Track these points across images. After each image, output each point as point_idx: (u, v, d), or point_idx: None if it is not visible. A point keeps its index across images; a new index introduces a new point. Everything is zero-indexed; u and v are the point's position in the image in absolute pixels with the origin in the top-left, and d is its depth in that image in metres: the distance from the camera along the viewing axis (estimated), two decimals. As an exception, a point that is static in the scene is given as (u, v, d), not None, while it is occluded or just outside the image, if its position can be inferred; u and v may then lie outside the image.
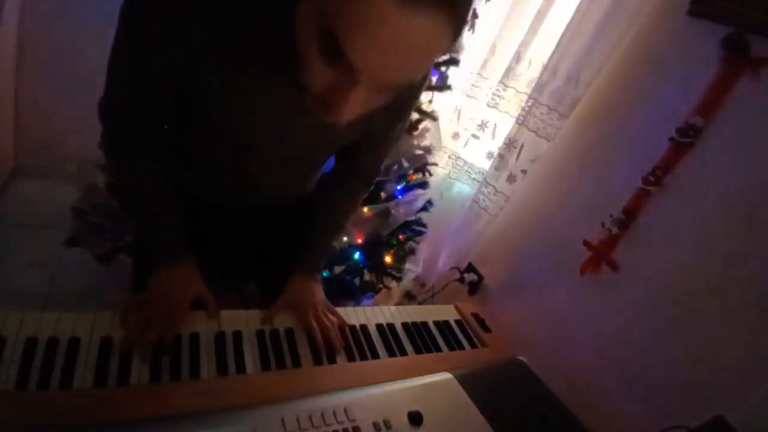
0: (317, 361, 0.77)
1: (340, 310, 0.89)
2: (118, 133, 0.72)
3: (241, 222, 0.92)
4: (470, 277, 1.63)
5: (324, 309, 0.85)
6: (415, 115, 1.47)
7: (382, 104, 0.57)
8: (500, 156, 1.55)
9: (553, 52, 1.39)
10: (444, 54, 1.33)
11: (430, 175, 1.72)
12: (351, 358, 0.80)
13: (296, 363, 0.75)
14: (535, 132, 1.44)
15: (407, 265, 1.83)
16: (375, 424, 0.63)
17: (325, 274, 1.38)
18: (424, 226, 1.76)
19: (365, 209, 1.48)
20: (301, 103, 0.58)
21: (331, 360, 0.78)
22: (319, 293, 0.89)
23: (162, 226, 0.77)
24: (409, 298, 1.94)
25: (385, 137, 0.86)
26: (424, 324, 0.95)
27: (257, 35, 0.60)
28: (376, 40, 0.45)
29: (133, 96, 0.66)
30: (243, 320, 0.79)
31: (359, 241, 1.52)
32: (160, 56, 0.61)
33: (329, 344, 0.80)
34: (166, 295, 0.73)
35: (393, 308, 0.95)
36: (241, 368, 0.70)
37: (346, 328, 0.85)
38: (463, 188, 1.83)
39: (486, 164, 1.72)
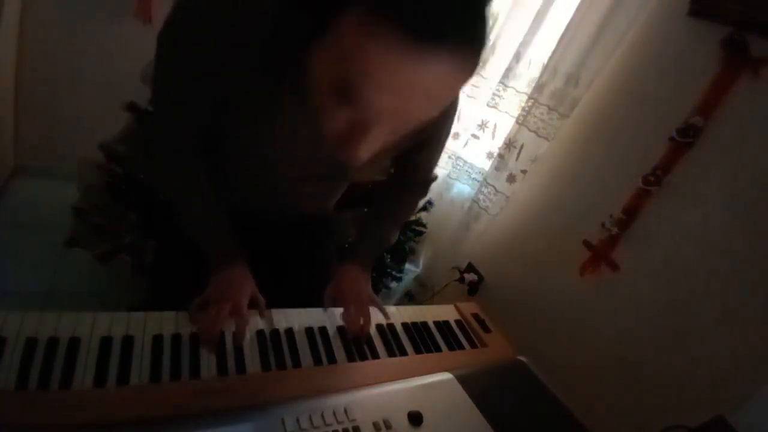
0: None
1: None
2: (168, 148, 0.77)
3: (260, 235, 0.93)
4: (470, 277, 1.63)
5: (366, 301, 0.88)
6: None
7: (404, 138, 0.56)
8: (500, 156, 1.55)
9: (553, 52, 1.39)
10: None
11: (430, 175, 1.72)
12: (351, 358, 0.80)
13: (296, 363, 0.75)
14: (535, 132, 1.44)
15: (407, 265, 1.83)
16: (375, 424, 0.63)
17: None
18: (424, 226, 1.76)
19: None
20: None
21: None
22: (367, 284, 0.93)
23: (218, 232, 0.81)
24: (409, 298, 1.94)
25: (430, 141, 0.88)
26: (424, 324, 0.95)
27: (272, 79, 0.62)
28: (393, 87, 0.43)
29: (176, 119, 0.72)
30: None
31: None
32: (193, 91, 0.65)
33: (357, 335, 0.83)
34: (227, 294, 0.76)
35: (393, 308, 0.95)
36: (241, 368, 0.70)
37: (370, 326, 0.87)
38: (463, 188, 1.83)
39: (486, 164, 1.71)
